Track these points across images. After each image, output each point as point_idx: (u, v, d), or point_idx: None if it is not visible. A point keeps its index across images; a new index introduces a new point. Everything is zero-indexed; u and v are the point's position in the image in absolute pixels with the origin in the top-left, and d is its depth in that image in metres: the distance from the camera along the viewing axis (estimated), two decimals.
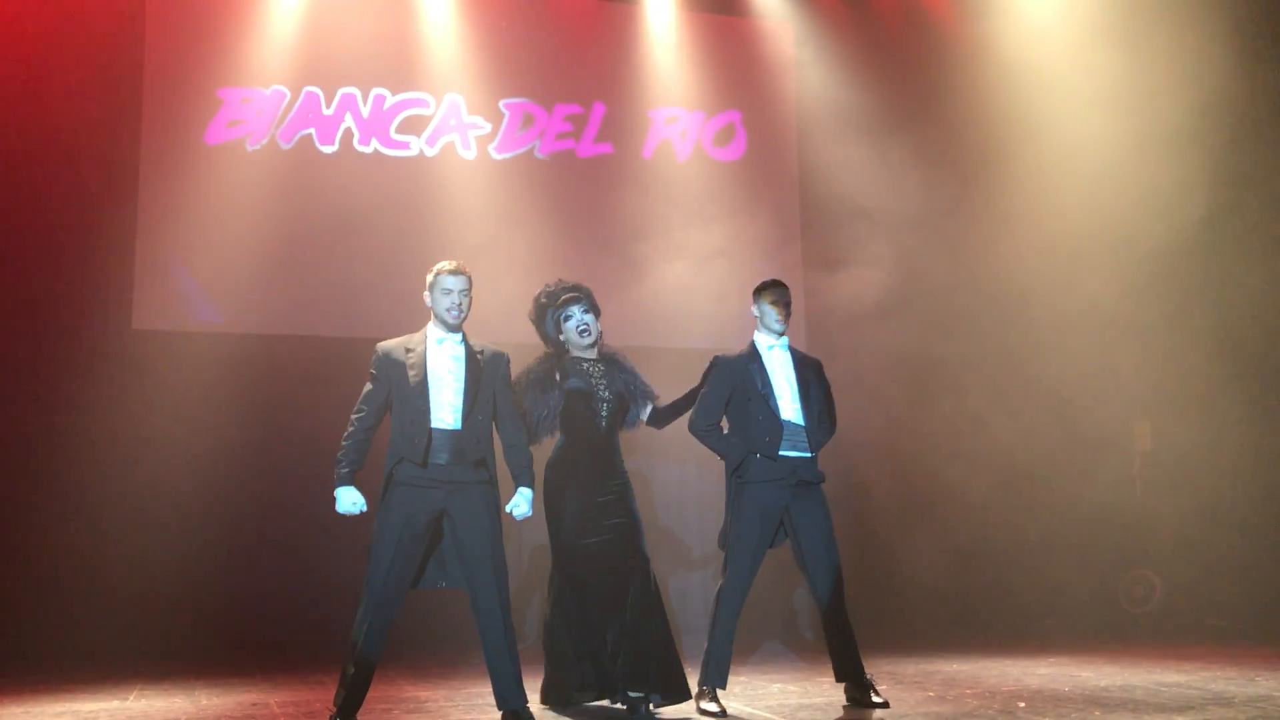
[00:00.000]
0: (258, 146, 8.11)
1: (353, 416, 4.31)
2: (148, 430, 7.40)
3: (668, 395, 5.09)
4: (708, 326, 8.30)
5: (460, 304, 4.33)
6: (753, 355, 4.88)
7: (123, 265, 7.71)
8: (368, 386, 4.32)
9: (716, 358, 4.94)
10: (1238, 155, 8.09)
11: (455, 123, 8.57)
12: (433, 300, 4.36)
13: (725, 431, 4.88)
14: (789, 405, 4.79)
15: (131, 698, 5.36)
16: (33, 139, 7.55)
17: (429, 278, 4.39)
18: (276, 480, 7.62)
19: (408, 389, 4.24)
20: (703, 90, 9.14)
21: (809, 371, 4.93)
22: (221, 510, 7.43)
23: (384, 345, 4.37)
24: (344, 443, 4.29)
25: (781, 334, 4.92)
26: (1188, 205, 8.02)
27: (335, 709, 4.09)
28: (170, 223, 7.82)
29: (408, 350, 4.31)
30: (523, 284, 8.19)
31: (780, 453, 4.71)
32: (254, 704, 5.09)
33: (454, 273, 4.33)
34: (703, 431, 4.84)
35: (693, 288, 8.58)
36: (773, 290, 4.93)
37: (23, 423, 7.33)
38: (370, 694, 4.18)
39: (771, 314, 4.89)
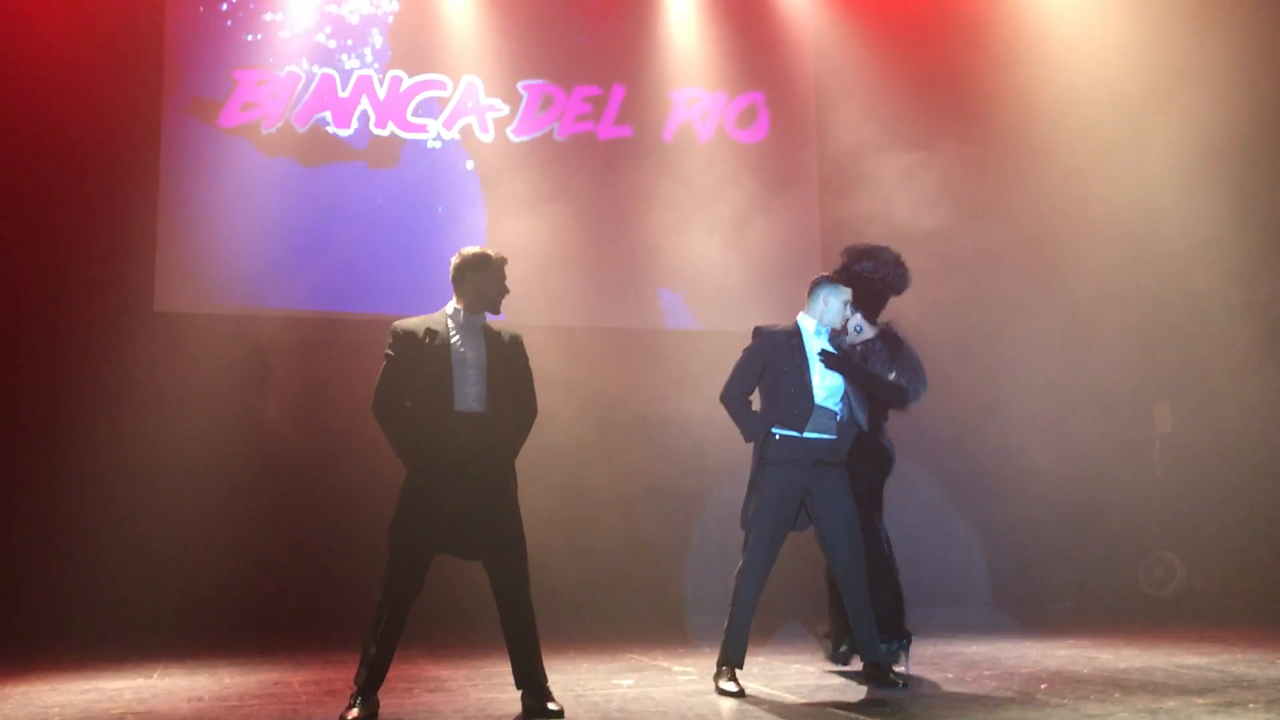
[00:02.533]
0: (273, 130, 8.12)
1: (382, 411, 4.21)
2: (169, 411, 7.46)
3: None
4: (727, 311, 8.28)
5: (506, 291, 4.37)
6: (794, 332, 4.84)
7: (143, 248, 7.76)
8: (386, 368, 4.23)
9: (759, 328, 4.90)
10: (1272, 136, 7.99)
11: (473, 105, 8.55)
12: (479, 285, 4.28)
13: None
14: (821, 388, 4.76)
15: (156, 676, 5.42)
16: (53, 123, 7.58)
17: (469, 260, 4.30)
18: (297, 459, 7.66)
19: (430, 372, 4.18)
20: (724, 71, 9.07)
21: None
22: (243, 490, 7.48)
23: (403, 324, 4.28)
24: (395, 443, 4.21)
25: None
26: (1214, 187, 7.96)
27: (356, 687, 4.10)
28: (190, 205, 7.86)
29: (431, 332, 4.23)
30: (541, 268, 8.24)
31: (805, 434, 4.71)
32: (276, 682, 5.14)
33: (505, 261, 4.35)
34: (732, 401, 4.82)
35: (713, 272, 8.56)
36: (845, 290, 4.87)
37: (45, 405, 7.40)
38: (391, 673, 4.20)
39: (837, 314, 4.83)
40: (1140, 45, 8.28)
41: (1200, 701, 4.08)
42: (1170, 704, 4.04)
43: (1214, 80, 7.94)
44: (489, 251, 4.35)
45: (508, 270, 4.38)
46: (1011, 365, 8.40)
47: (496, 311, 4.35)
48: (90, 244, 7.61)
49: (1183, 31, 8.10)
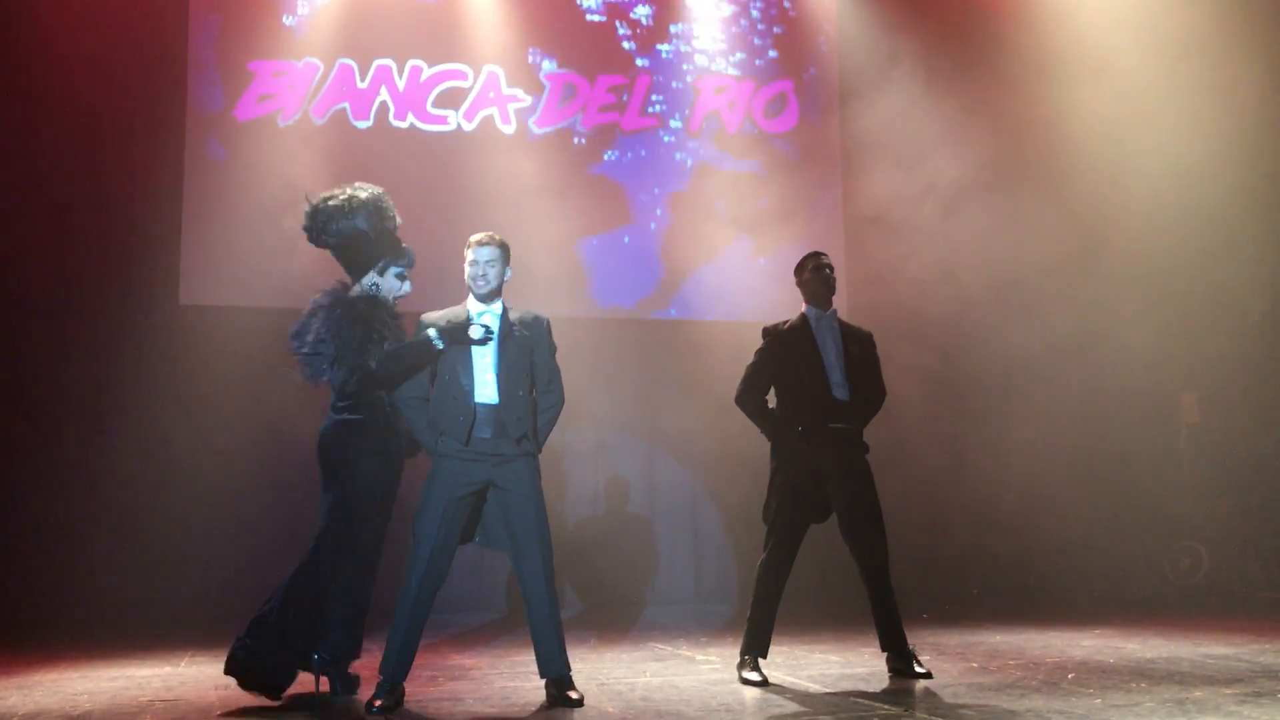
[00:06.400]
0: (290, 121, 8.11)
1: (405, 402, 4.30)
2: (196, 402, 7.51)
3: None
4: (758, 300, 8.23)
5: (485, 274, 4.28)
6: (802, 326, 4.86)
7: (169, 241, 7.81)
8: None
9: (765, 329, 4.94)
10: None
11: (494, 95, 8.53)
12: (466, 273, 4.36)
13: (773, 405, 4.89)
14: (836, 378, 4.77)
15: (183, 663, 5.46)
16: (79, 118, 7.63)
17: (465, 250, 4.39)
18: None
19: (449, 363, 4.24)
20: (752, 58, 9.00)
21: (856, 344, 4.91)
22: (269, 479, 7.52)
23: (427, 317, 4.35)
24: (417, 433, 4.29)
25: (827, 308, 4.90)
26: (1242, 171, 7.87)
27: (383, 675, 4.14)
28: (213, 198, 7.89)
29: (449, 323, 4.31)
30: (565, 260, 8.24)
31: (828, 425, 4.71)
32: (303, 670, 5.17)
33: (481, 244, 4.31)
34: (747, 403, 4.84)
35: (736, 262, 8.53)
36: (812, 264, 4.90)
37: (74, 397, 7.47)
38: (416, 661, 4.24)
39: (810, 289, 4.88)
40: (1179, 19, 8.15)
41: (1228, 691, 4.06)
42: (1197, 694, 4.02)
43: (1258, 67, 7.84)
44: (471, 237, 4.36)
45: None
46: (1038, 353, 8.35)
47: (483, 297, 4.32)
48: (116, 238, 7.66)
49: (1230, 9, 7.99)
